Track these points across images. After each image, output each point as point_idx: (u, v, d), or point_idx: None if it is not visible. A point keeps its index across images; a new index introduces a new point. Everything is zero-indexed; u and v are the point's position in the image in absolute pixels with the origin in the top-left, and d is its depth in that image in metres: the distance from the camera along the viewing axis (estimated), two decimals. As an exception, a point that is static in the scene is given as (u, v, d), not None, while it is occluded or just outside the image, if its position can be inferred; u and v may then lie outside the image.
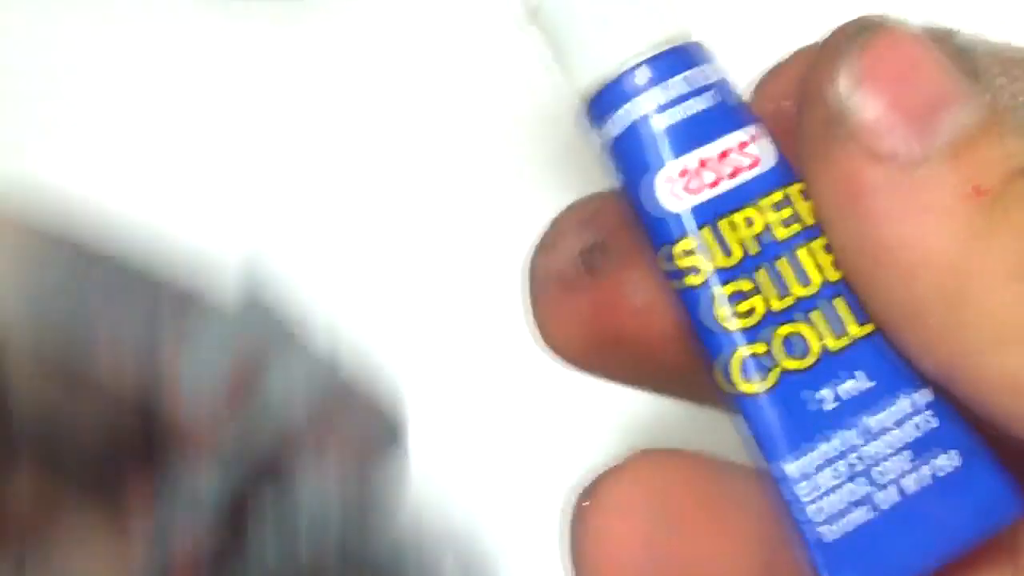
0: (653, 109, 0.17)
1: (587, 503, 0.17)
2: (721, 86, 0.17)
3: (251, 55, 0.37)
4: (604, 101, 0.17)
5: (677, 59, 0.17)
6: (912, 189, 0.15)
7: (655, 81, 0.17)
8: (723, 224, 0.17)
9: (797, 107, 0.16)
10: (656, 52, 0.17)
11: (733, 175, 0.17)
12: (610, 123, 0.17)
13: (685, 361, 0.17)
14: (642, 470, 0.17)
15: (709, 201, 0.17)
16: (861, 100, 0.15)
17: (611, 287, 0.18)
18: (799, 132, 0.16)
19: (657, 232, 0.17)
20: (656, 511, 0.16)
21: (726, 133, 0.17)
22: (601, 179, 0.18)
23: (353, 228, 0.36)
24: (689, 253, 0.17)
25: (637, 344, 0.18)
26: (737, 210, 0.17)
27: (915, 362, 0.16)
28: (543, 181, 0.36)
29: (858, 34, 0.16)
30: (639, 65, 0.17)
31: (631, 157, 0.17)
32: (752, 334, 0.16)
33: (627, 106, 0.17)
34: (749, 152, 0.17)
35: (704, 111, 0.17)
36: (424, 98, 0.37)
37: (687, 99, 0.17)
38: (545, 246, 0.18)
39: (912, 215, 0.15)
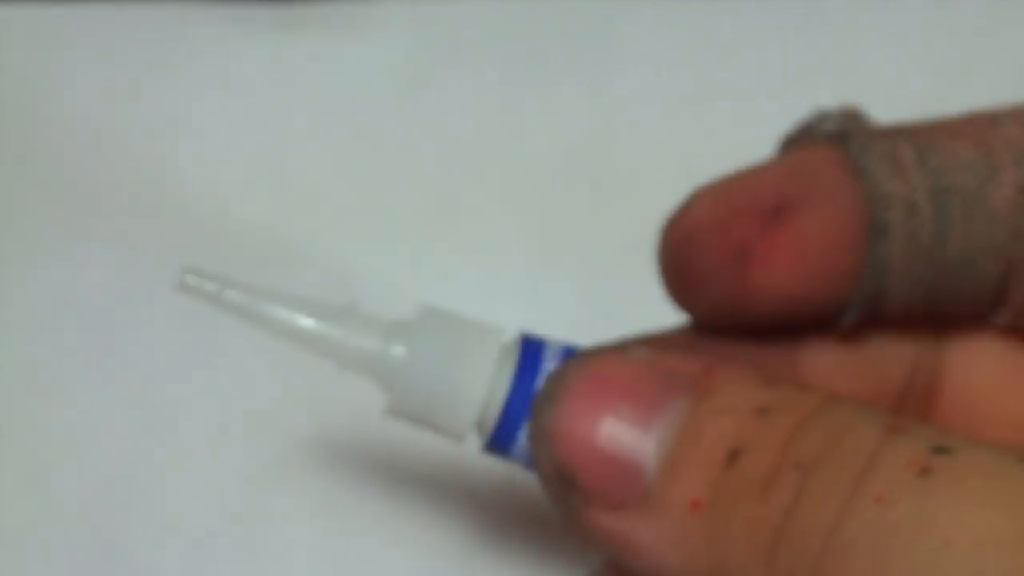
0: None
1: None
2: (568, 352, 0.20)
3: (252, 60, 0.38)
4: (502, 438, 0.19)
5: (530, 362, 0.19)
6: (651, 524, 0.17)
7: (526, 395, 0.19)
8: None
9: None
10: (511, 369, 0.19)
11: None
12: (519, 450, 0.19)
13: None
14: None
15: None
16: (572, 467, 0.17)
17: None
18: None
19: None
20: None
21: None
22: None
23: (354, 227, 0.36)
24: None
25: None
26: None
27: None
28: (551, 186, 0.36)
29: (545, 403, 0.18)
30: (514, 387, 0.19)
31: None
32: None
33: (522, 435, 0.19)
34: None
35: None
36: (423, 103, 0.37)
37: None
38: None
39: (662, 548, 0.17)
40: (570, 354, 0.19)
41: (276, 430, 0.32)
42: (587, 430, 0.17)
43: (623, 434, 0.17)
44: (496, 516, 0.32)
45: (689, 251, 0.19)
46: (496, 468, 0.24)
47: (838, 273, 0.19)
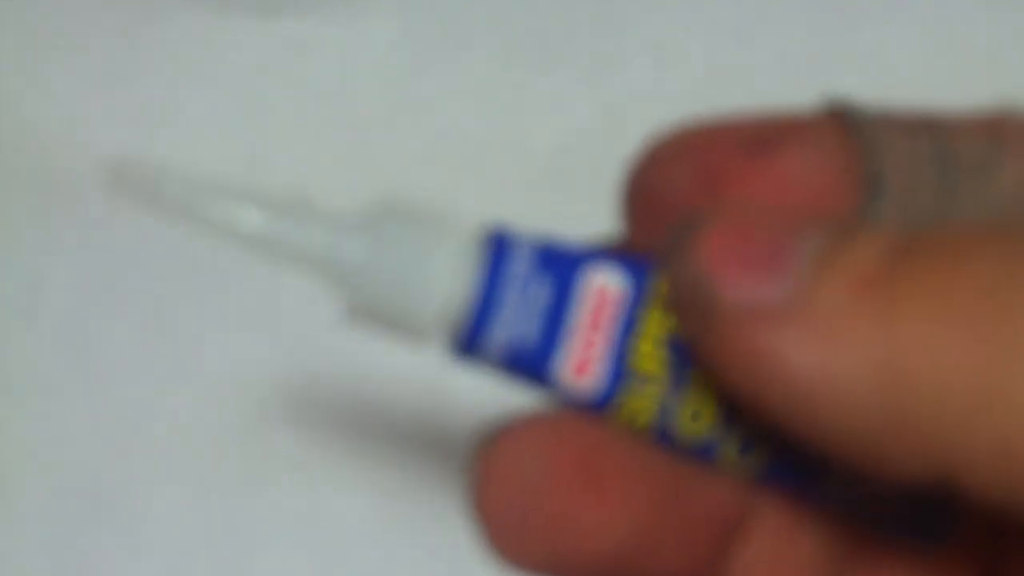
0: (513, 323, 0.18)
1: (482, 465, 0.18)
2: (538, 252, 0.18)
3: (234, 46, 0.37)
4: (470, 336, 0.18)
5: (500, 253, 0.18)
6: (802, 320, 0.15)
7: (496, 289, 0.18)
8: (634, 360, 0.17)
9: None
10: (481, 266, 0.18)
11: (612, 317, 0.17)
12: (487, 350, 0.18)
13: None
14: (533, 432, 0.17)
15: (613, 356, 0.17)
16: (711, 278, 0.15)
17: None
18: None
19: (589, 410, 0.18)
20: (538, 472, 0.17)
21: (578, 295, 0.18)
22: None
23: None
24: (632, 404, 0.18)
25: None
26: (638, 338, 0.17)
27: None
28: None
29: (689, 225, 0.16)
30: (486, 288, 0.18)
31: (524, 370, 0.18)
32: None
33: (492, 332, 0.18)
34: (607, 288, 0.18)
35: (549, 289, 0.18)
36: (417, 97, 0.37)
37: (530, 287, 0.18)
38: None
39: (818, 344, 0.15)
40: (545, 253, 0.18)
41: (252, 439, 0.32)
42: (731, 236, 0.16)
43: (771, 231, 0.15)
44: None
45: (654, 173, 0.18)
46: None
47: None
